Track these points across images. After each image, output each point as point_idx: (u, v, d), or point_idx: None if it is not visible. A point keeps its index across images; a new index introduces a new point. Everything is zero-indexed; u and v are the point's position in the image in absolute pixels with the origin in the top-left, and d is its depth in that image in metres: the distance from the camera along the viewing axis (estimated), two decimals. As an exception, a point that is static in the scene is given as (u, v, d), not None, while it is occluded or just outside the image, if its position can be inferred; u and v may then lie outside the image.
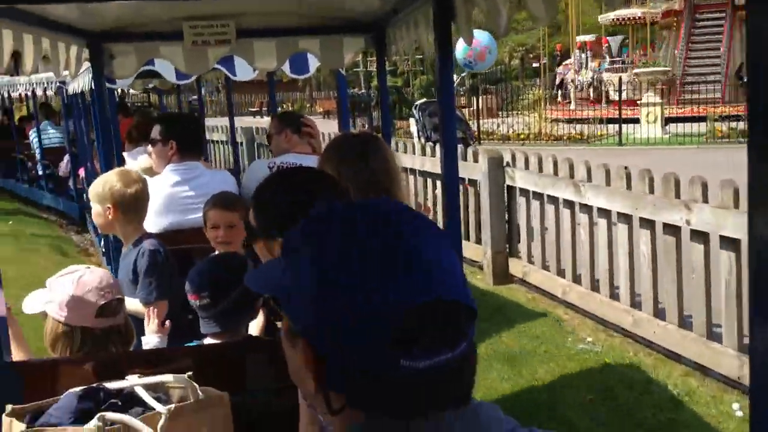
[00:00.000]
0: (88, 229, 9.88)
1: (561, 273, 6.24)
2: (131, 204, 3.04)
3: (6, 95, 13.30)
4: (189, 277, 2.33)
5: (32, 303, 2.27)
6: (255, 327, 2.68)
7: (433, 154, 7.94)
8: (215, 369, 2.20)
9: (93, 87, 6.39)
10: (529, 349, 5.35)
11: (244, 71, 6.40)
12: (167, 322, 2.58)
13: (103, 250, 7.45)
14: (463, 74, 13.56)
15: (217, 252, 3.18)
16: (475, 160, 7.27)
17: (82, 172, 9.85)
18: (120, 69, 3.68)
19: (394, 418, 0.83)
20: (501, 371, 4.92)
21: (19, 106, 15.74)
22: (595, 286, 5.74)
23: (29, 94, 11.97)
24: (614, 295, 5.53)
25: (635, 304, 5.29)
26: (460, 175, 7.18)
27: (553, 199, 6.20)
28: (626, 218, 5.28)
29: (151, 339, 2.59)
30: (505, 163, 6.90)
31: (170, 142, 3.68)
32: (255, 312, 2.46)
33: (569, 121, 20.97)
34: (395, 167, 2.28)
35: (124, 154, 5.06)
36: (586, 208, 5.75)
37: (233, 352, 2.33)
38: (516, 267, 6.88)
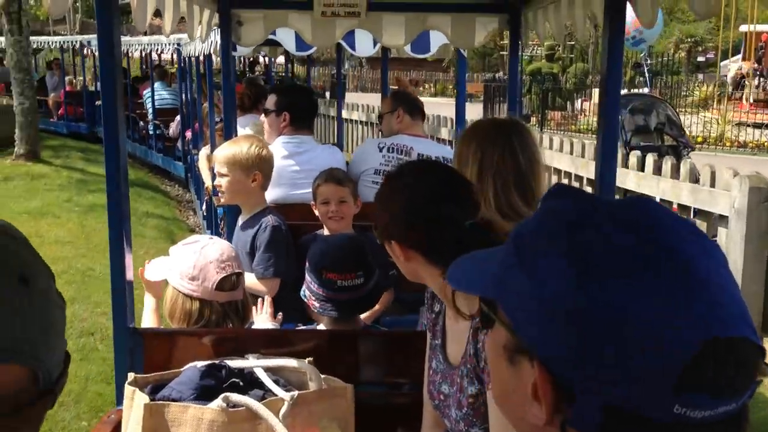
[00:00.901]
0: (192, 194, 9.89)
1: None
2: (271, 170, 3.07)
3: (123, 55, 13.65)
4: (331, 255, 2.23)
5: (155, 270, 2.23)
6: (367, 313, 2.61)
7: (641, 167, 6.24)
8: (331, 355, 2.12)
9: (211, 52, 6.55)
10: None
11: (364, 47, 6.22)
12: (279, 314, 2.51)
13: (204, 213, 7.53)
14: (642, 54, 11.48)
15: (326, 229, 3.17)
16: (712, 184, 5.38)
17: (189, 134, 10.05)
18: (247, 36, 3.67)
19: None
20: None
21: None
22: None
23: (145, 55, 12.20)
24: None
25: None
26: (684, 203, 5.55)
27: None
28: None
29: (263, 326, 2.50)
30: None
31: (284, 113, 3.68)
32: (375, 303, 2.40)
33: (757, 126, 17.69)
34: (540, 159, 2.06)
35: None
36: None
37: (350, 340, 2.25)
38: (776, 355, 5.17)
